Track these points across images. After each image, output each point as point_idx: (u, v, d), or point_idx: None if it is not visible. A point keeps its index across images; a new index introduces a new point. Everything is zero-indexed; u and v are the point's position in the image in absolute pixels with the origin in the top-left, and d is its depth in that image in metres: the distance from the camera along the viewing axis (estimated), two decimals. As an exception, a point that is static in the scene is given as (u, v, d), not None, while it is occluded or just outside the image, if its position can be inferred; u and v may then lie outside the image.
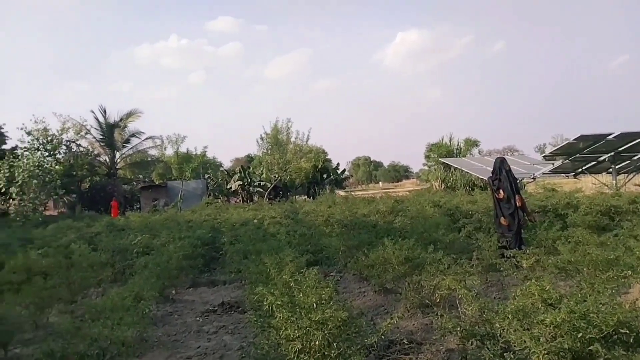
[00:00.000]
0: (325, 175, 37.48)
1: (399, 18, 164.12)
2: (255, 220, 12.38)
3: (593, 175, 19.92)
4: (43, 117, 26.63)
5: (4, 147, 30.59)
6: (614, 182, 17.54)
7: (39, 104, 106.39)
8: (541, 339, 2.61)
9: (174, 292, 7.00)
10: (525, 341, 2.63)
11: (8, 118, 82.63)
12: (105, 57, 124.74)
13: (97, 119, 33.96)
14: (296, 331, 2.58)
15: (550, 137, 79.53)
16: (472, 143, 32.18)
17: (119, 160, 35.28)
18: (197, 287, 7.61)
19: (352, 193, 29.91)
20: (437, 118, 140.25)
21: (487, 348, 2.92)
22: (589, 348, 2.46)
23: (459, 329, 3.39)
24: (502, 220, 7.26)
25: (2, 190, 23.32)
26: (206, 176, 38.27)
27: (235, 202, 33.29)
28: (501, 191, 7.26)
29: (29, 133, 26.24)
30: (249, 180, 34.27)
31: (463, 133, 76.97)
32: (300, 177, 32.87)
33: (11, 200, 23.00)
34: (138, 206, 32.82)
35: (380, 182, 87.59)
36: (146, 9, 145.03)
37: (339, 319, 2.64)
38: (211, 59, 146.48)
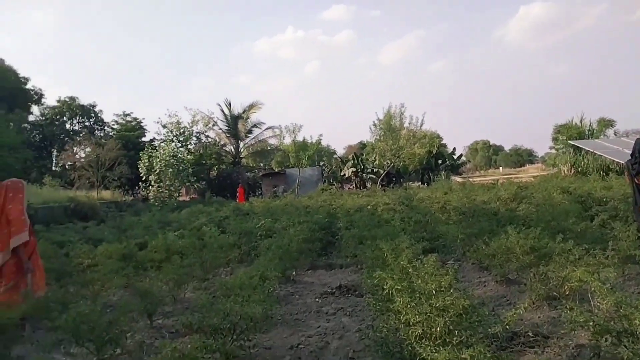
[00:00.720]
0: (440, 161, 36.43)
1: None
2: (369, 207, 12.50)
3: None
4: (176, 111, 29.40)
5: (143, 139, 34.32)
6: None
7: (172, 98, 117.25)
8: (692, 340, 2.36)
9: (294, 273, 7.37)
10: (672, 341, 2.40)
11: (146, 113, 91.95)
12: (227, 53, 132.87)
13: (222, 111, 36.69)
14: (417, 316, 2.61)
15: None
16: (606, 123, 28.86)
17: (242, 150, 37.65)
18: (315, 269, 7.93)
19: (470, 179, 28.73)
20: (565, 97, 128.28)
21: (625, 346, 2.70)
22: None
23: (591, 323, 3.17)
24: (643, 208, 6.53)
25: (143, 178, 26.22)
26: (321, 163, 39.35)
27: (349, 188, 33.81)
28: (641, 176, 6.52)
29: (164, 126, 29.11)
30: (362, 167, 34.53)
31: (595, 113, 69.74)
32: (413, 163, 32.30)
33: (150, 187, 25.74)
34: (260, 192, 34.79)
35: (500, 168, 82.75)
36: (265, 3, 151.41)
37: (461, 307, 2.62)
38: (325, 49, 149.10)
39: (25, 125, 33.47)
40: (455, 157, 38.85)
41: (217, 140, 37.06)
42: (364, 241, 7.08)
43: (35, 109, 37.87)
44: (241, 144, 37.54)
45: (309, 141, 32.49)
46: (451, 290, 3.00)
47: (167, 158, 25.27)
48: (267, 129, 37.45)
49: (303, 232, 8.02)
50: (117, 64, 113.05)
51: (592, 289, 3.57)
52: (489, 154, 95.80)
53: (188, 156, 28.57)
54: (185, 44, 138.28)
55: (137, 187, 29.86)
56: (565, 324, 4.03)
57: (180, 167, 25.86)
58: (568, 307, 3.73)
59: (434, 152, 34.57)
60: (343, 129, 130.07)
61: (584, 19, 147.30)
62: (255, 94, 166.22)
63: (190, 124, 30.89)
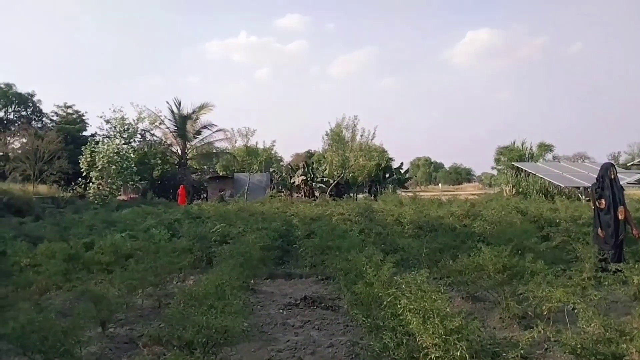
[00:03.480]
0: (387, 175, 36.95)
1: (468, 17, 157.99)
2: (326, 216, 12.34)
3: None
4: (121, 107, 28.06)
5: (84, 133, 32.56)
6: None
7: (117, 95, 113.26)
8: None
9: (252, 282, 7.07)
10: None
11: (88, 107, 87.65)
12: (178, 53, 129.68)
13: (171, 110, 35.20)
14: (433, 338, 2.44)
15: (626, 145, 74.62)
16: (546, 148, 30.66)
17: (189, 151, 36.49)
18: (274, 279, 7.66)
19: (415, 193, 29.30)
20: (505, 120, 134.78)
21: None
22: None
23: (579, 346, 3.14)
24: (600, 231, 6.78)
25: (84, 174, 24.72)
26: (271, 170, 38.89)
27: (297, 196, 33.55)
28: (603, 200, 6.77)
29: (107, 121, 27.76)
30: (312, 175, 34.42)
31: (532, 137, 73.73)
32: (362, 175, 32.60)
33: (90, 183, 24.30)
34: (205, 195, 33.84)
35: (440, 184, 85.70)
36: (218, 6, 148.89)
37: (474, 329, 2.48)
38: (278, 56, 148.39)
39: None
40: (402, 171, 39.57)
41: (164, 140, 35.73)
42: (327, 251, 6.90)
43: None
44: (188, 145, 36.37)
45: (260, 147, 31.92)
46: (447, 309, 2.87)
47: (111, 154, 23.99)
48: (217, 130, 36.25)
49: (263, 239, 7.71)
50: (62, 55, 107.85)
51: (576, 310, 3.58)
52: (429, 170, 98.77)
53: (132, 154, 27.32)
54: (135, 41, 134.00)
55: (73, 183, 28.16)
56: (546, 343, 4.04)
57: (124, 165, 24.63)
58: (542, 327, 3.72)
59: (383, 165, 35.04)
60: (291, 136, 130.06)
61: (525, 49, 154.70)
62: (205, 95, 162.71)
63: (136, 121, 29.66)
